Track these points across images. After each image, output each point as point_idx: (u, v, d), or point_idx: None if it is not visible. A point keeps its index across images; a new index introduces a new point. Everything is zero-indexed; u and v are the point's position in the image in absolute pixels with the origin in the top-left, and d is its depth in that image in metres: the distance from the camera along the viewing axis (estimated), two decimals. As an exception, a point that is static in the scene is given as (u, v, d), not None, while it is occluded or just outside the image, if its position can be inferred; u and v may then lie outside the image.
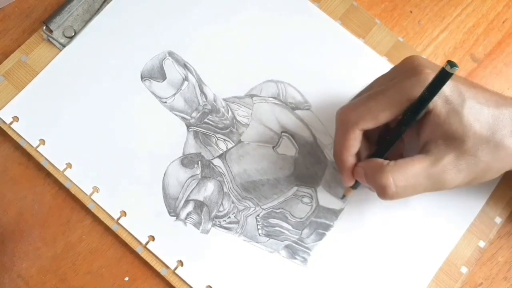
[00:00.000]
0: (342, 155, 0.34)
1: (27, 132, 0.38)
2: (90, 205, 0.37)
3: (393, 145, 0.33)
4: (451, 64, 0.28)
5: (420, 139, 0.33)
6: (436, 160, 0.31)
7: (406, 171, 0.31)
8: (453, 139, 0.31)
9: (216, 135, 0.39)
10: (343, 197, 0.38)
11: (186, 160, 0.39)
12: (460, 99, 0.31)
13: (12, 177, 0.38)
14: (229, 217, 0.38)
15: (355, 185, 0.36)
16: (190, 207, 0.38)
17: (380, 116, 0.32)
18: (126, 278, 0.37)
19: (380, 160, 0.32)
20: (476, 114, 0.31)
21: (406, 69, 0.32)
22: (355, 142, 0.33)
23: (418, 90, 0.31)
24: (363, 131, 0.33)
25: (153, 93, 0.40)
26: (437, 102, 0.31)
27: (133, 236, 0.37)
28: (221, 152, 0.39)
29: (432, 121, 0.31)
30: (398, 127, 0.33)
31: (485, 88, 0.33)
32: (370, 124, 0.32)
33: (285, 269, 0.37)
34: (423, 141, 0.32)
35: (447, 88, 0.31)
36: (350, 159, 0.34)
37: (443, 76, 0.29)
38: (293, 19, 0.42)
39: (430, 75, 0.30)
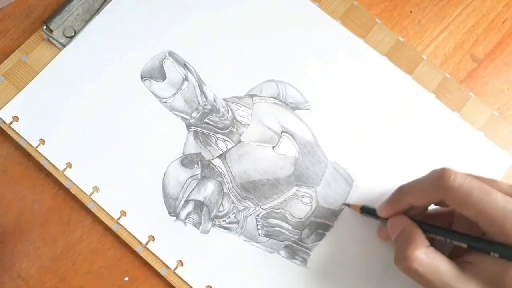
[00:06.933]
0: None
1: (27, 132, 0.38)
2: (90, 205, 0.37)
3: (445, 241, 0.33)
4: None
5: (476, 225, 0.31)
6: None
7: (433, 265, 0.31)
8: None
9: (216, 135, 0.39)
10: (347, 205, 0.38)
11: (186, 160, 0.39)
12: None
13: (12, 177, 0.39)
14: (229, 217, 0.38)
15: (364, 212, 0.37)
16: (190, 207, 0.38)
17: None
18: (126, 278, 0.37)
19: (421, 234, 0.32)
20: None
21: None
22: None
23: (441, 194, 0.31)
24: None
25: (153, 93, 0.40)
26: None
27: (133, 236, 0.37)
28: (221, 152, 0.39)
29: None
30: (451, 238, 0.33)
31: None
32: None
33: (285, 269, 0.37)
34: (480, 230, 0.31)
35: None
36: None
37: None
38: (293, 19, 0.42)
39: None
